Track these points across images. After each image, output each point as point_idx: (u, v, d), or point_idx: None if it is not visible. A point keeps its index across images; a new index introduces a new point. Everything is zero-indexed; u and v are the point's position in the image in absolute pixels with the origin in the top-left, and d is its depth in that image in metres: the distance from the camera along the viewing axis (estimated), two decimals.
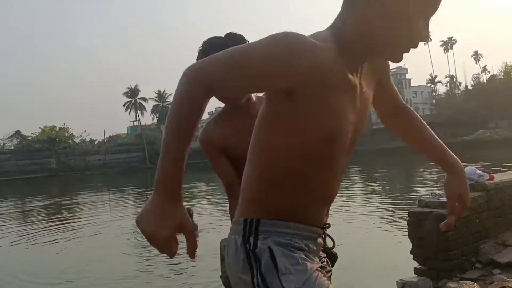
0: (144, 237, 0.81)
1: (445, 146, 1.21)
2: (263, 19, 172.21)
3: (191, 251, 0.84)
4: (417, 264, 3.89)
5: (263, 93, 1.05)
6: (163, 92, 68.09)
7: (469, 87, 58.49)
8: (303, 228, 1.00)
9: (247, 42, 1.60)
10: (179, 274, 5.82)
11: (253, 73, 0.87)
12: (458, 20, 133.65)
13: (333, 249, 1.71)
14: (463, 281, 3.41)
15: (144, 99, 66.81)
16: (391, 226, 7.76)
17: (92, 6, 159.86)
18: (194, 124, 0.83)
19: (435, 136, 1.21)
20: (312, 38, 0.89)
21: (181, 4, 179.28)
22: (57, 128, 62.72)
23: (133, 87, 66.30)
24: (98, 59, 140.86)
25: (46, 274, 6.26)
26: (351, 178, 20.00)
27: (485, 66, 66.94)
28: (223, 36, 1.60)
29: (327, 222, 1.09)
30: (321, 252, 1.71)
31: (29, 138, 62.18)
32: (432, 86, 68.25)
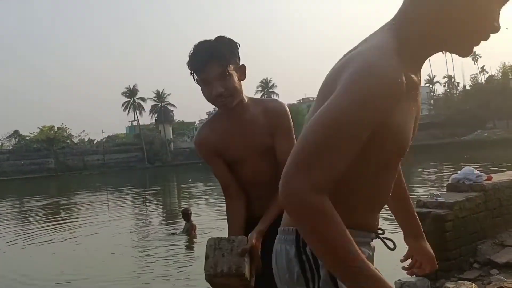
0: None
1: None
2: (263, 21, 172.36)
3: None
4: None
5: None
6: (162, 92, 67.92)
7: (467, 87, 58.57)
8: (360, 234, 0.96)
9: (237, 45, 1.61)
10: (178, 274, 5.81)
11: (351, 144, 0.79)
12: None
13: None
14: (461, 281, 3.42)
15: (143, 99, 66.64)
16: (389, 226, 7.76)
17: (92, 7, 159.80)
18: (344, 233, 0.76)
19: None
20: (380, 54, 0.83)
21: (180, 4, 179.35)
22: (56, 128, 62.61)
23: (131, 87, 66.19)
24: (97, 59, 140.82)
25: (42, 275, 6.22)
26: None
27: (483, 66, 67.16)
28: (213, 39, 1.60)
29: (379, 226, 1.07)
30: None
31: (27, 138, 62.08)
32: (430, 86, 68.25)
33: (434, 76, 68.18)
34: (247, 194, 1.73)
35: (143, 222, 10.74)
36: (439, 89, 68.23)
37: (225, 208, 1.79)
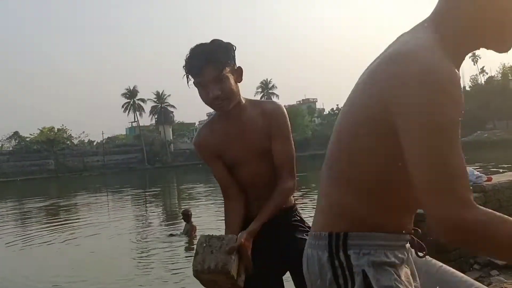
0: None
1: None
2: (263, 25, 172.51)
3: None
4: None
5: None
6: (162, 93, 67.99)
7: (467, 88, 58.60)
8: (395, 237, 0.94)
9: (233, 47, 1.62)
10: (178, 276, 5.80)
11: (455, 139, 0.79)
12: None
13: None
14: None
15: (143, 100, 66.74)
16: None
17: (91, 7, 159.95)
18: (509, 223, 0.77)
19: None
20: (432, 53, 0.83)
21: (180, 5, 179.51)
22: (56, 129, 62.67)
23: (131, 88, 66.25)
24: (97, 60, 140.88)
25: (40, 276, 6.19)
26: None
27: (483, 67, 67.33)
28: (208, 42, 1.61)
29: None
30: None
31: (27, 139, 62.14)
32: None
33: None
34: (246, 195, 1.74)
35: (143, 223, 10.75)
36: None
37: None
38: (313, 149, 55.29)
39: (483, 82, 57.51)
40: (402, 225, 0.98)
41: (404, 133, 0.81)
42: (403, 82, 0.81)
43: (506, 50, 0.90)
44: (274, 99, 48.69)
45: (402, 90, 0.81)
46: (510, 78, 51.60)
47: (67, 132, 64.48)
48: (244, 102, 1.69)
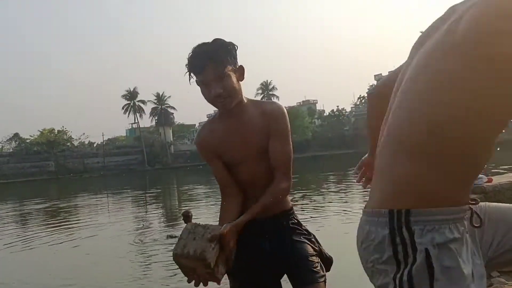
0: None
1: None
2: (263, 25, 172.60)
3: None
4: None
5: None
6: (162, 94, 68.02)
7: None
8: (457, 210, 0.92)
9: (235, 47, 1.63)
10: (179, 277, 5.79)
11: None
12: None
13: (328, 253, 1.70)
14: None
15: (143, 102, 66.78)
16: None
17: (91, 7, 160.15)
18: None
19: None
20: None
21: (180, 5, 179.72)
22: (56, 131, 62.76)
23: (131, 89, 66.29)
24: (97, 61, 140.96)
25: (38, 278, 6.17)
26: (350, 180, 20.01)
27: None
28: (210, 42, 1.62)
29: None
30: (315, 258, 1.70)
31: (27, 140, 62.20)
32: None
33: None
34: (244, 195, 1.74)
35: (143, 224, 10.73)
36: None
37: None
38: (313, 151, 55.33)
39: None
40: (465, 196, 0.96)
41: None
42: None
43: None
44: (274, 100, 48.57)
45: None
46: None
47: (67, 134, 64.61)
48: (246, 101, 1.70)
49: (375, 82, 69.74)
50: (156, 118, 67.12)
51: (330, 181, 20.41)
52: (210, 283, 1.56)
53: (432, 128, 0.88)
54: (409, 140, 0.91)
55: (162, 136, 64.93)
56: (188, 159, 60.31)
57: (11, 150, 61.88)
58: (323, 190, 16.18)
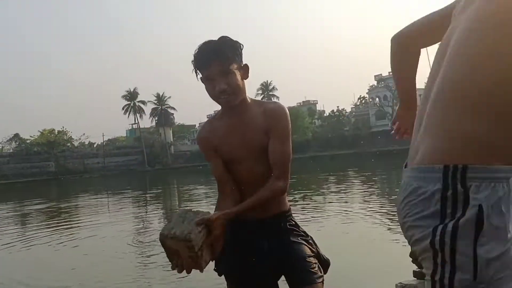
0: None
1: None
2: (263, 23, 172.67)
3: None
4: (416, 267, 3.89)
5: None
6: (162, 95, 68.04)
7: None
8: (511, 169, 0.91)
9: (241, 45, 1.66)
10: (179, 278, 5.78)
11: None
12: None
13: (325, 256, 1.70)
14: None
15: (143, 102, 66.79)
16: (390, 229, 7.75)
17: (91, 7, 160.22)
18: None
19: None
20: None
21: (180, 6, 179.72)
22: (56, 131, 62.78)
23: (132, 90, 66.30)
24: (97, 61, 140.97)
25: (37, 278, 6.15)
26: (351, 180, 20.01)
27: None
28: (217, 39, 1.64)
29: None
30: (313, 258, 1.70)
31: (28, 141, 62.23)
32: None
33: None
34: (241, 193, 1.74)
35: (143, 224, 10.74)
36: None
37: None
38: (313, 151, 55.30)
39: None
40: None
41: None
42: None
43: None
44: (275, 100, 48.48)
45: None
46: None
47: (68, 134, 64.66)
48: (249, 101, 1.72)
49: (375, 83, 69.82)
50: (156, 118, 67.14)
51: (330, 181, 20.42)
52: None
53: (500, 83, 0.86)
54: (473, 96, 0.89)
55: (162, 136, 64.93)
56: (188, 159, 60.31)
57: (11, 150, 61.88)
58: (323, 190, 16.17)
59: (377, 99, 67.70)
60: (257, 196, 1.62)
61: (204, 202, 14.73)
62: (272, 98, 65.14)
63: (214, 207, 1.78)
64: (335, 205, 10.91)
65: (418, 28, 1.19)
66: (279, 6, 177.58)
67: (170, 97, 68.83)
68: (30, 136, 62.75)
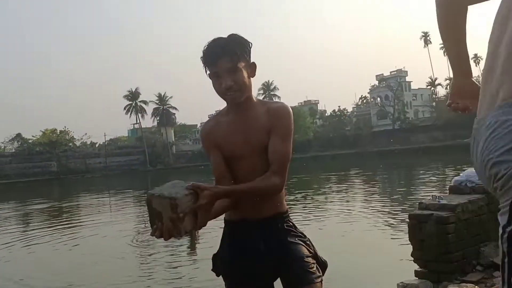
0: None
1: None
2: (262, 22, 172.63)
3: None
4: (418, 266, 3.89)
5: None
6: (164, 95, 68.09)
7: None
8: None
9: (249, 44, 1.68)
10: (180, 278, 5.80)
11: None
12: None
13: (323, 258, 1.69)
14: (464, 283, 3.41)
15: (145, 102, 66.84)
16: (392, 229, 7.75)
17: (91, 7, 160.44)
18: None
19: None
20: None
21: (180, 6, 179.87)
22: (58, 131, 62.86)
23: (133, 90, 66.35)
24: (98, 61, 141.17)
25: (39, 277, 6.18)
26: (352, 180, 19.99)
27: None
28: (226, 36, 1.66)
29: None
30: (311, 259, 1.70)
31: (30, 141, 62.33)
32: (432, 88, 68.19)
33: (436, 79, 68.21)
34: None
35: (144, 224, 10.75)
36: (441, 92, 68.18)
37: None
38: (315, 151, 55.29)
39: None
40: None
41: None
42: None
43: None
44: (279, 100, 48.55)
45: None
46: None
47: (69, 134, 64.73)
48: (254, 100, 1.73)
49: (376, 82, 69.81)
50: (158, 118, 67.20)
51: (331, 181, 20.41)
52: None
53: None
54: None
55: (164, 136, 65.00)
56: (190, 159, 60.37)
57: (13, 150, 62.03)
58: (325, 190, 16.18)
59: (378, 98, 67.66)
60: (251, 183, 1.61)
61: None
62: (274, 98, 65.15)
63: None
64: (337, 205, 10.91)
65: None
66: (279, 6, 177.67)
67: (171, 97, 68.95)
68: (32, 136, 62.95)
